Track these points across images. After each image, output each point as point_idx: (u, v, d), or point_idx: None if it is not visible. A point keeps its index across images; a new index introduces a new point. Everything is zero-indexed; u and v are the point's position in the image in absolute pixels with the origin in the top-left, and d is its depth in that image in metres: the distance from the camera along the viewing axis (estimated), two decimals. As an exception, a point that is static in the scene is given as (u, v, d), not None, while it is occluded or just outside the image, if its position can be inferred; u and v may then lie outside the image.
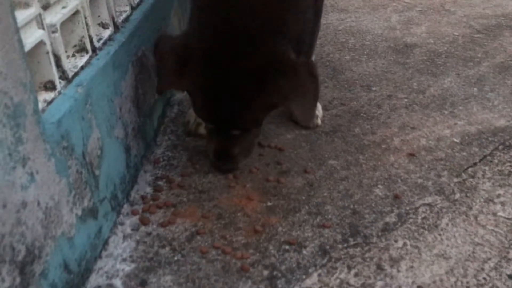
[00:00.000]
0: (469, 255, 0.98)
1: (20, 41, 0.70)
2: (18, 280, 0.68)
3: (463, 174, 1.23)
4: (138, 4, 1.33)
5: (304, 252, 1.00)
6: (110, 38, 1.11)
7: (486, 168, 1.25)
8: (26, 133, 0.71)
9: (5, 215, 0.65)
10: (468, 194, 1.16)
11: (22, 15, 0.79)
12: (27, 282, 0.70)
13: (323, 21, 2.21)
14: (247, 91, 1.06)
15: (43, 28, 0.86)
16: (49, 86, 0.87)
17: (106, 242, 1.01)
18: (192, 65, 1.07)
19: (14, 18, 0.68)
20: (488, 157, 1.29)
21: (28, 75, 0.72)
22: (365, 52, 1.92)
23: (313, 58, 1.45)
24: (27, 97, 0.71)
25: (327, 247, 1.01)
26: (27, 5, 0.82)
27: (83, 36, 1.00)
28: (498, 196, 1.15)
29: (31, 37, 0.81)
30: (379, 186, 1.19)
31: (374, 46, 1.98)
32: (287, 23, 1.07)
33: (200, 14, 1.10)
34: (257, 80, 1.04)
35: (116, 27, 1.16)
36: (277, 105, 1.13)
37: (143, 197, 1.14)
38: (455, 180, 1.20)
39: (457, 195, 1.15)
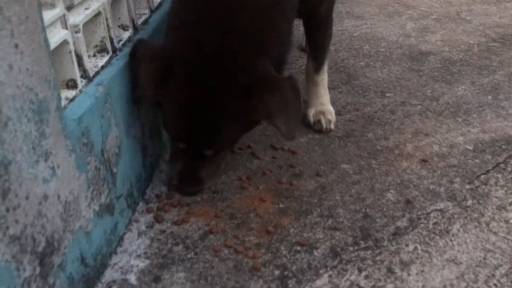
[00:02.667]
0: (480, 261, 0.99)
1: (46, 40, 0.73)
2: (38, 270, 0.70)
3: (475, 181, 1.23)
4: (157, 7, 1.36)
5: (315, 253, 1.01)
6: (129, 40, 1.14)
7: (499, 175, 1.25)
8: (49, 128, 0.74)
9: (27, 207, 0.67)
10: (480, 201, 1.16)
11: (47, 15, 0.82)
12: (46, 273, 0.73)
13: (338, 27, 2.24)
14: (230, 108, 1.02)
15: (67, 28, 0.88)
16: (71, 84, 0.90)
17: (121, 238, 1.03)
18: (174, 76, 1.01)
19: (41, 18, 0.71)
20: (501, 165, 1.29)
21: (53, 72, 0.75)
22: (380, 59, 1.93)
23: (326, 65, 1.46)
24: (51, 94, 0.74)
25: (338, 249, 1.02)
26: (52, 6, 0.85)
27: (104, 37, 1.03)
28: (511, 203, 1.15)
29: (56, 36, 0.84)
30: (391, 191, 1.19)
31: (388, 53, 1.99)
32: (270, 44, 1.05)
33: (182, 26, 1.04)
34: (242, 97, 1.00)
35: (136, 29, 1.18)
36: (257, 124, 1.11)
37: (158, 196, 1.17)
38: (468, 186, 1.21)
39: (469, 202, 1.15)
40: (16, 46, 0.65)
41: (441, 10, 2.48)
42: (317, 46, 1.41)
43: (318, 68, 1.42)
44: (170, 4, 1.12)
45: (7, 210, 0.62)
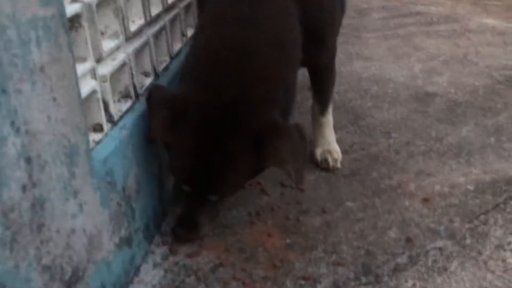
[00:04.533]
0: (476, 298, 1.04)
1: (79, 92, 0.84)
2: (64, 297, 0.78)
3: (475, 220, 1.28)
4: (177, 54, 1.48)
5: (319, 287, 1.07)
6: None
7: (499, 215, 1.30)
8: (78, 169, 0.83)
9: (58, 240, 0.76)
10: (479, 240, 1.21)
11: (80, 68, 0.93)
12: (71, 300, 0.81)
13: (347, 68, 2.34)
14: (239, 155, 1.06)
15: (96, 79, 0.99)
16: (98, 128, 1.00)
17: (138, 269, 1.11)
18: (185, 120, 1.06)
19: (75, 74, 0.82)
20: (501, 205, 1.35)
21: (83, 120, 0.85)
22: (387, 100, 2.01)
23: (330, 107, 1.55)
24: (81, 139, 0.84)
25: (341, 283, 1.08)
26: (84, 60, 0.96)
27: (128, 84, 1.14)
28: (509, 243, 1.20)
29: (86, 87, 0.95)
30: (393, 228, 1.26)
31: (396, 94, 2.07)
32: (279, 94, 1.12)
33: (196, 74, 1.11)
34: (252, 144, 1.05)
35: (157, 75, 1.30)
36: (263, 170, 1.14)
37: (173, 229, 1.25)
38: (467, 226, 1.26)
39: (468, 241, 1.21)
40: (54, 99, 0.75)
41: (449, 52, 2.57)
42: (321, 91, 1.51)
43: (323, 110, 1.52)
44: (186, 53, 1.22)
45: (41, 242, 0.71)
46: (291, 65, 1.18)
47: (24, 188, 0.68)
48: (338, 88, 2.12)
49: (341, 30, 3.07)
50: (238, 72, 1.07)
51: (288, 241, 1.22)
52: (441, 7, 3.43)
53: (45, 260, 0.73)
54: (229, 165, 1.07)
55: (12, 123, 0.65)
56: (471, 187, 1.42)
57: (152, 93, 1.12)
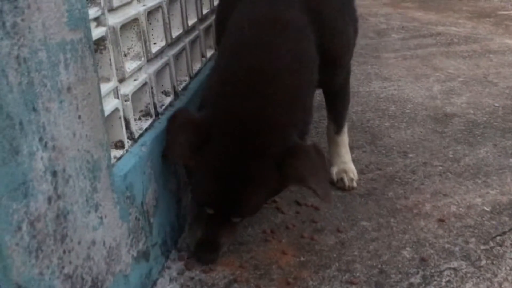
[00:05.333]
0: (490, 320, 1.03)
1: (102, 110, 0.88)
2: (83, 306, 0.82)
3: (491, 242, 1.28)
4: (196, 74, 1.53)
5: (331, 305, 1.08)
6: (170, 104, 1.29)
7: (515, 237, 1.30)
8: (100, 184, 0.87)
9: (79, 250, 0.80)
10: (494, 262, 1.21)
11: (103, 88, 0.98)
12: (90, 309, 0.84)
13: (366, 88, 2.37)
14: (262, 177, 1.10)
15: (118, 98, 1.04)
16: (119, 145, 1.05)
17: (154, 283, 1.14)
18: (210, 144, 1.09)
19: (99, 93, 0.87)
20: (518, 227, 1.34)
21: (106, 137, 0.89)
22: (405, 120, 2.02)
23: (345, 126, 1.57)
24: (103, 155, 0.88)
25: (353, 302, 1.09)
26: (108, 80, 1.01)
27: (148, 103, 1.19)
28: (526, 265, 1.20)
29: (109, 105, 1.00)
30: (407, 248, 1.26)
31: (414, 114, 2.08)
32: (298, 116, 1.16)
33: (220, 98, 1.13)
34: (274, 166, 1.09)
35: (176, 95, 1.35)
36: (282, 190, 1.18)
37: (188, 245, 1.28)
38: (482, 247, 1.26)
39: (483, 262, 1.21)
40: (79, 117, 0.80)
41: (469, 73, 2.57)
42: (336, 111, 1.54)
43: (338, 130, 1.54)
44: (208, 78, 1.26)
45: (64, 252, 0.75)
46: (308, 88, 1.21)
47: (49, 200, 0.72)
48: (356, 108, 2.15)
49: (360, 51, 3.12)
50: (259, 97, 1.10)
51: (302, 259, 1.23)
52: (461, 27, 3.43)
53: (67, 269, 0.76)
54: (252, 188, 1.11)
55: (41, 139, 0.70)
56: (487, 208, 1.42)
57: (177, 115, 1.15)
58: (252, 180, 1.10)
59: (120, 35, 1.04)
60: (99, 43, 0.97)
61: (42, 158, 0.70)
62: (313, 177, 1.10)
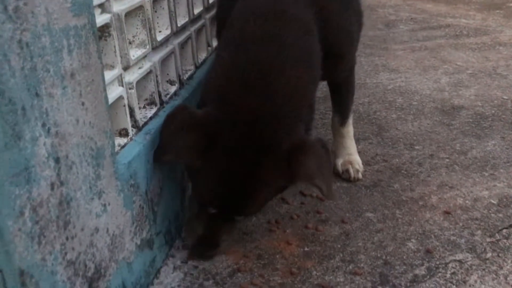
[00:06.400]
0: (495, 312, 1.02)
1: (106, 97, 0.88)
2: (86, 292, 0.82)
3: (497, 234, 1.27)
4: (202, 63, 1.52)
5: (335, 295, 1.08)
6: (175, 93, 1.29)
7: (522, 230, 1.28)
8: (104, 171, 0.87)
9: (82, 237, 0.80)
10: (500, 254, 1.20)
11: (108, 75, 0.98)
12: (93, 296, 0.84)
13: (373, 80, 2.35)
14: (270, 175, 1.06)
15: (123, 86, 1.04)
16: (123, 133, 1.04)
17: (158, 271, 1.14)
18: (216, 143, 1.05)
19: (103, 80, 0.86)
20: (525, 220, 1.32)
21: (109, 124, 0.89)
22: (412, 112, 2.01)
23: (350, 118, 1.56)
24: (107, 142, 0.88)
25: (357, 293, 1.09)
26: (112, 67, 1.01)
27: (153, 92, 1.18)
28: (532, 258, 1.19)
29: (113, 93, 0.99)
30: (412, 240, 1.25)
31: (421, 106, 2.06)
32: (303, 111, 1.12)
33: (223, 94, 1.08)
34: (282, 164, 1.05)
35: (181, 84, 1.34)
36: (286, 188, 1.16)
37: (186, 239, 1.27)
38: (488, 240, 1.25)
39: (489, 254, 1.19)
40: (83, 104, 0.80)
41: (478, 65, 2.54)
42: (341, 102, 1.52)
43: (343, 121, 1.53)
44: (208, 71, 1.20)
45: (67, 238, 0.75)
46: (313, 83, 1.18)
47: (52, 186, 0.72)
48: (363, 100, 2.13)
49: (368, 42, 3.09)
50: (265, 91, 1.07)
51: (306, 249, 1.23)
52: (471, 19, 3.39)
53: (70, 256, 0.76)
54: (260, 187, 1.08)
55: (44, 125, 0.69)
56: (494, 201, 1.41)
57: (176, 114, 1.09)
58: (260, 179, 1.07)
59: (125, 23, 1.03)
60: (104, 30, 0.96)
61: (45, 144, 0.70)
62: (320, 175, 1.08)
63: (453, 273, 1.14)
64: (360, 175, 1.52)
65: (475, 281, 1.11)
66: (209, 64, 1.53)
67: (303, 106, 1.13)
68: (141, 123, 1.10)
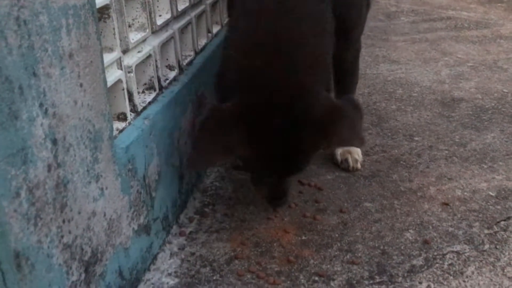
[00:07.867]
0: (492, 303, 1.02)
1: (105, 79, 0.86)
2: (83, 276, 0.81)
3: (495, 226, 1.26)
4: (202, 49, 1.50)
5: (332, 284, 1.08)
6: (175, 79, 1.27)
7: (520, 223, 1.28)
8: (101, 154, 0.86)
9: (79, 220, 0.79)
10: (497, 246, 1.19)
11: (106, 58, 0.96)
12: (89, 280, 0.84)
13: (373, 71, 2.33)
14: (310, 141, 1.13)
15: (122, 69, 1.02)
16: (122, 117, 1.03)
17: (155, 257, 1.13)
18: (258, 126, 1.08)
19: (102, 62, 0.85)
20: (523, 213, 1.32)
21: (108, 107, 0.88)
22: (412, 103, 2.00)
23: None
24: (105, 125, 0.87)
25: (354, 282, 1.08)
26: (111, 50, 0.99)
27: (152, 76, 1.17)
28: (529, 251, 1.18)
29: (112, 76, 0.98)
30: (410, 230, 1.25)
31: (421, 98, 2.05)
32: (324, 75, 1.19)
33: (247, 73, 1.10)
34: (319, 128, 1.10)
35: (181, 69, 1.32)
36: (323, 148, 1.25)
37: (190, 221, 1.27)
38: (486, 231, 1.24)
39: (486, 246, 1.19)
40: (81, 85, 0.78)
41: (478, 58, 2.53)
42: (344, 89, 1.51)
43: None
44: (225, 43, 1.21)
45: (63, 221, 0.74)
46: (329, 48, 1.22)
47: (49, 167, 0.71)
48: (363, 90, 2.12)
49: (369, 33, 3.07)
50: (289, 66, 1.09)
51: (303, 238, 1.22)
52: (472, 12, 3.37)
53: (66, 239, 0.75)
54: (303, 152, 1.16)
55: (41, 105, 0.68)
56: (492, 193, 1.40)
57: (210, 116, 1.09)
58: (302, 146, 1.13)
59: (125, 5, 1.01)
60: (103, 11, 0.94)
61: (42, 124, 0.69)
62: (351, 136, 1.20)
63: (451, 264, 1.13)
64: (359, 165, 1.51)
65: (472, 272, 1.11)
66: (210, 50, 1.52)
67: (324, 72, 1.19)
68: (139, 108, 1.09)
